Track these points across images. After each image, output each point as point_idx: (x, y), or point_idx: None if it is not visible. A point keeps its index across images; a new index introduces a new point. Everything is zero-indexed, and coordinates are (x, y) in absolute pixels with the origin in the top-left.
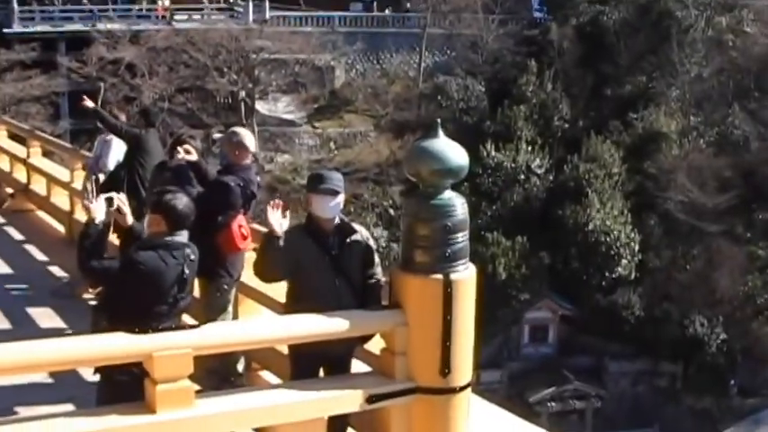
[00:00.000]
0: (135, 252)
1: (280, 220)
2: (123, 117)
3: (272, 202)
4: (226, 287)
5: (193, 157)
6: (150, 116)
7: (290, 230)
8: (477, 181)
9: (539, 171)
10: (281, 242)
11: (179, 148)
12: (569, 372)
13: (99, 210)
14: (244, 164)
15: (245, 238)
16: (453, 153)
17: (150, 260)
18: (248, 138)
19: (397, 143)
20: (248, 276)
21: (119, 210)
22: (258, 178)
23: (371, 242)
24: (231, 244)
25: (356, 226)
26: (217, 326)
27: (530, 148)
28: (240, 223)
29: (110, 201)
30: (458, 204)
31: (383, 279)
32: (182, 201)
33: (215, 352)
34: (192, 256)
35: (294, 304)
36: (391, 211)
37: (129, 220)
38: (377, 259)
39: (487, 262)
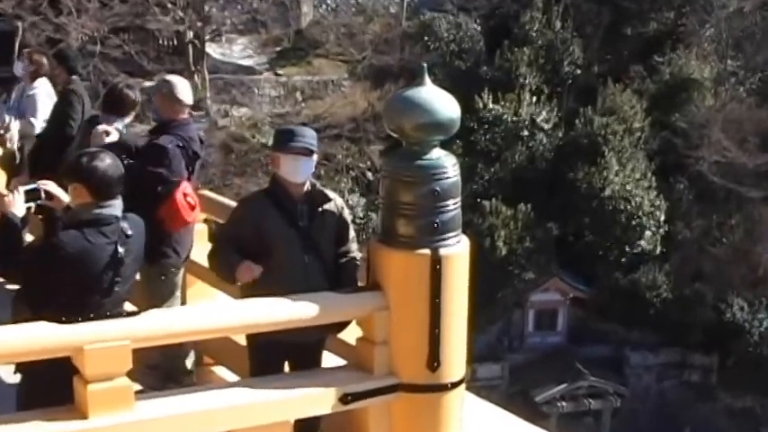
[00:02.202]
0: (55, 234)
1: (248, 275)
2: (44, 61)
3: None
4: (173, 269)
5: (114, 136)
6: (70, 61)
7: (250, 198)
8: (472, 138)
9: (545, 126)
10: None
11: (96, 130)
12: (583, 365)
13: (17, 204)
14: (180, 119)
15: (192, 208)
16: (443, 104)
17: (73, 241)
18: (182, 87)
19: (376, 93)
20: (199, 254)
21: (49, 196)
22: (201, 133)
23: (346, 212)
24: (177, 218)
25: (329, 193)
26: (161, 313)
27: (534, 99)
28: (185, 191)
29: (32, 193)
30: (448, 165)
31: (360, 255)
32: (104, 162)
33: (159, 344)
34: (129, 232)
35: (254, 286)
36: (369, 175)
37: (66, 198)
38: (352, 232)
39: (484, 234)
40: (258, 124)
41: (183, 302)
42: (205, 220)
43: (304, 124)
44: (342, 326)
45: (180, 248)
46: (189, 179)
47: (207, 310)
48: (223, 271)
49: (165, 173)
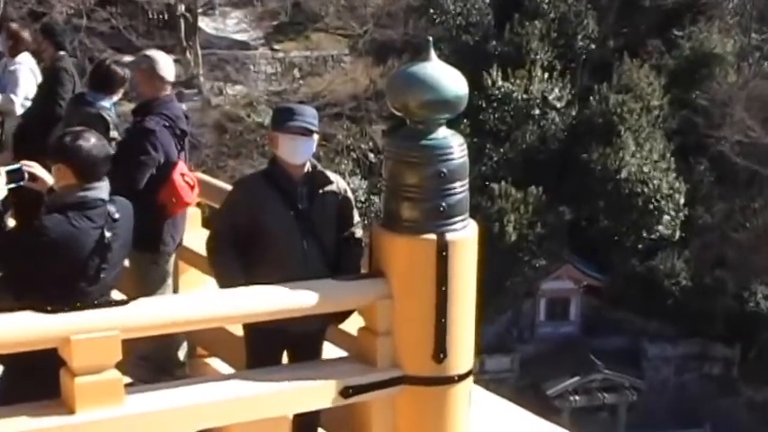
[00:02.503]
0: (39, 218)
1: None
2: (27, 35)
3: None
4: (168, 255)
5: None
6: (57, 36)
7: (247, 180)
8: (480, 117)
9: (558, 104)
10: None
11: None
12: (597, 357)
13: None
14: (163, 96)
15: (192, 188)
16: (449, 81)
17: (56, 226)
18: (164, 62)
19: (379, 69)
20: (192, 239)
21: (32, 178)
22: (185, 106)
23: (350, 195)
24: (179, 199)
25: (331, 174)
26: (152, 301)
27: (546, 75)
28: (182, 171)
29: (14, 174)
30: (455, 146)
31: (363, 240)
32: (89, 141)
33: (150, 334)
34: (117, 215)
35: (250, 272)
36: (371, 156)
37: (50, 180)
38: (356, 216)
39: (493, 219)
40: (254, 103)
41: (176, 290)
42: (198, 204)
43: (302, 103)
44: (344, 316)
45: (175, 233)
46: (180, 159)
47: (200, 299)
48: (223, 282)
49: (155, 156)
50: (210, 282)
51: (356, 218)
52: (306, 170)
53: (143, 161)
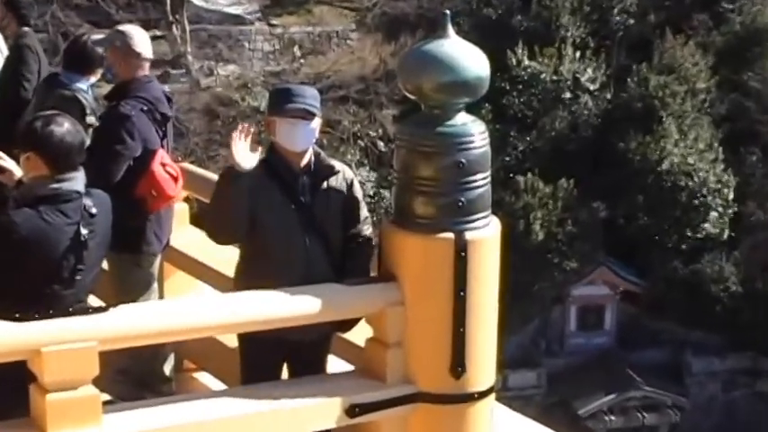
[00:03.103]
0: (6, 213)
1: (246, 153)
2: None
3: (240, 127)
4: (152, 257)
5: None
6: (22, 8)
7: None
8: (504, 101)
9: (591, 86)
10: (243, 180)
11: None
12: (635, 372)
13: None
14: (140, 77)
15: (175, 179)
16: (469, 60)
17: (26, 222)
18: (139, 38)
19: (390, 47)
20: (179, 238)
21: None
22: (167, 88)
23: (357, 187)
24: (160, 193)
25: (337, 164)
26: (134, 308)
27: (578, 54)
28: (163, 161)
29: None
30: (475, 133)
31: (373, 239)
32: (62, 127)
33: (131, 345)
34: (94, 210)
35: (246, 274)
36: (381, 145)
37: (18, 171)
38: (365, 212)
39: (518, 216)
40: (249, 84)
41: (161, 296)
42: (186, 199)
43: (303, 83)
44: (350, 324)
45: (160, 231)
46: (163, 147)
47: (188, 306)
48: (219, 190)
49: (132, 145)
50: (200, 286)
51: (365, 213)
52: (308, 159)
53: (118, 151)
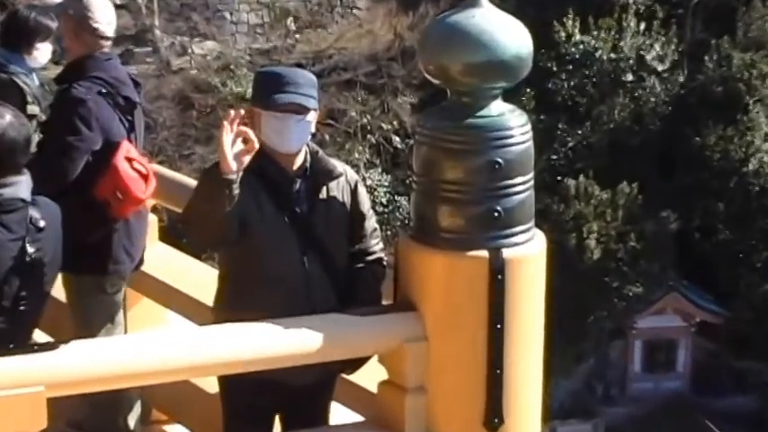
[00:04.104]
0: None
1: (239, 149)
2: None
3: (230, 114)
4: (119, 281)
5: None
6: None
7: None
8: (550, 85)
9: (659, 66)
10: (235, 188)
11: None
12: (715, 422)
13: None
14: (98, 54)
15: (145, 178)
16: (506, 35)
17: None
18: (99, 6)
19: (407, 19)
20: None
21: None
22: (133, 69)
23: (363, 192)
24: (126, 194)
25: (338, 164)
26: (91, 344)
27: (643, 27)
28: (129, 155)
29: None
30: (515, 126)
31: (385, 257)
32: (2, 118)
33: (87, 391)
34: (42, 223)
35: (228, 302)
36: (396, 141)
37: None
38: (373, 222)
39: (568, 228)
40: (231, 66)
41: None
42: (154, 209)
43: (299, 65)
44: (358, 362)
45: (132, 248)
46: (130, 140)
47: (157, 342)
48: (200, 187)
49: (89, 136)
50: (171, 317)
51: (373, 225)
52: (302, 160)
53: (72, 143)
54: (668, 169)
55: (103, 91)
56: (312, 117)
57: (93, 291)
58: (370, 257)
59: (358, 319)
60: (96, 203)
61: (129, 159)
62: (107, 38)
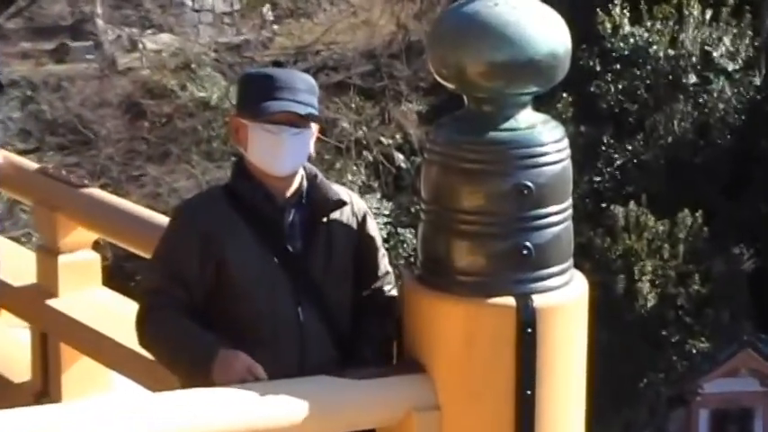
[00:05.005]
0: None
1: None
2: None
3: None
4: None
5: None
6: None
7: (198, 201)
8: (593, 89)
9: (729, 66)
10: None
11: None
12: None
13: None
14: None
15: None
16: (537, 28)
17: None
18: None
19: (412, 7)
20: (81, 304)
21: None
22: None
23: (373, 225)
24: None
25: (341, 190)
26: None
27: (709, 16)
28: None
29: None
30: (548, 141)
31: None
32: None
33: None
34: None
35: None
36: (399, 159)
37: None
38: (385, 261)
39: (615, 269)
40: (192, 64)
41: (57, 394)
42: (96, 246)
43: (278, 64)
44: None
45: None
46: None
47: (98, 411)
48: (179, 356)
49: None
50: (118, 381)
51: (386, 266)
52: (297, 185)
53: None
54: (740, 194)
55: None
56: (312, 130)
57: None
58: (381, 307)
59: (354, 383)
60: None
61: None
62: None
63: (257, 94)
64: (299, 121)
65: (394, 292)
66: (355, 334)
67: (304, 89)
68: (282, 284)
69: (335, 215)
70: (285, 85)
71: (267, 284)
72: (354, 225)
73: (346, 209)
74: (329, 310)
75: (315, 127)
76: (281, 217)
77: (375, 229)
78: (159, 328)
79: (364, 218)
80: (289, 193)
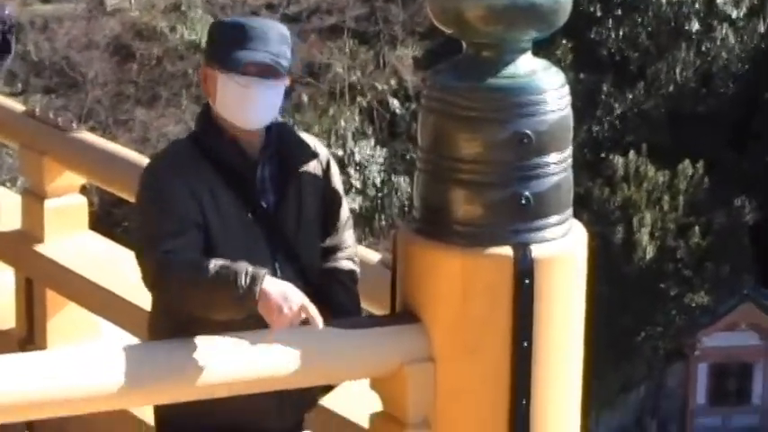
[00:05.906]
0: None
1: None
2: None
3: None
4: None
5: None
6: None
7: (166, 157)
8: (593, 35)
9: (732, 12)
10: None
11: None
12: None
13: None
14: None
15: None
16: None
17: None
18: None
19: None
20: (69, 250)
21: None
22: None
23: (336, 171)
24: None
25: (308, 139)
26: None
27: None
28: None
29: None
30: (548, 89)
31: (356, 256)
32: None
33: None
34: None
35: (176, 328)
36: (395, 105)
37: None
38: (346, 208)
39: (614, 220)
40: (183, 5)
41: (42, 341)
42: (83, 190)
43: (269, 6)
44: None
45: None
46: None
47: (84, 359)
48: (217, 289)
49: None
50: (105, 328)
51: (347, 212)
52: (267, 135)
53: None
54: (743, 144)
55: None
56: (284, 83)
57: None
58: (345, 254)
59: (346, 332)
60: None
61: None
62: None
63: (228, 44)
64: (272, 72)
65: (353, 238)
66: (321, 280)
67: (277, 39)
68: (257, 241)
69: (306, 167)
70: (257, 35)
71: (242, 242)
72: (321, 174)
73: (314, 161)
74: (303, 267)
75: (287, 78)
76: (253, 172)
77: (338, 175)
78: (191, 270)
79: (328, 165)
80: (259, 146)
